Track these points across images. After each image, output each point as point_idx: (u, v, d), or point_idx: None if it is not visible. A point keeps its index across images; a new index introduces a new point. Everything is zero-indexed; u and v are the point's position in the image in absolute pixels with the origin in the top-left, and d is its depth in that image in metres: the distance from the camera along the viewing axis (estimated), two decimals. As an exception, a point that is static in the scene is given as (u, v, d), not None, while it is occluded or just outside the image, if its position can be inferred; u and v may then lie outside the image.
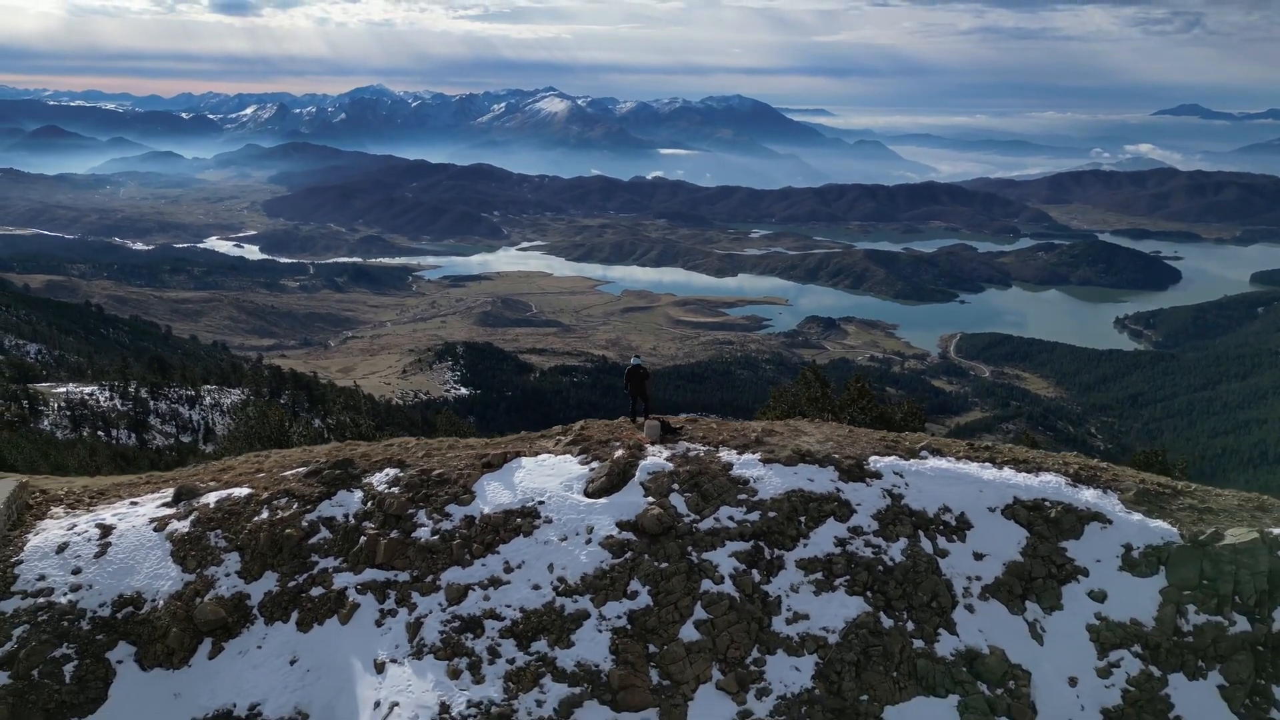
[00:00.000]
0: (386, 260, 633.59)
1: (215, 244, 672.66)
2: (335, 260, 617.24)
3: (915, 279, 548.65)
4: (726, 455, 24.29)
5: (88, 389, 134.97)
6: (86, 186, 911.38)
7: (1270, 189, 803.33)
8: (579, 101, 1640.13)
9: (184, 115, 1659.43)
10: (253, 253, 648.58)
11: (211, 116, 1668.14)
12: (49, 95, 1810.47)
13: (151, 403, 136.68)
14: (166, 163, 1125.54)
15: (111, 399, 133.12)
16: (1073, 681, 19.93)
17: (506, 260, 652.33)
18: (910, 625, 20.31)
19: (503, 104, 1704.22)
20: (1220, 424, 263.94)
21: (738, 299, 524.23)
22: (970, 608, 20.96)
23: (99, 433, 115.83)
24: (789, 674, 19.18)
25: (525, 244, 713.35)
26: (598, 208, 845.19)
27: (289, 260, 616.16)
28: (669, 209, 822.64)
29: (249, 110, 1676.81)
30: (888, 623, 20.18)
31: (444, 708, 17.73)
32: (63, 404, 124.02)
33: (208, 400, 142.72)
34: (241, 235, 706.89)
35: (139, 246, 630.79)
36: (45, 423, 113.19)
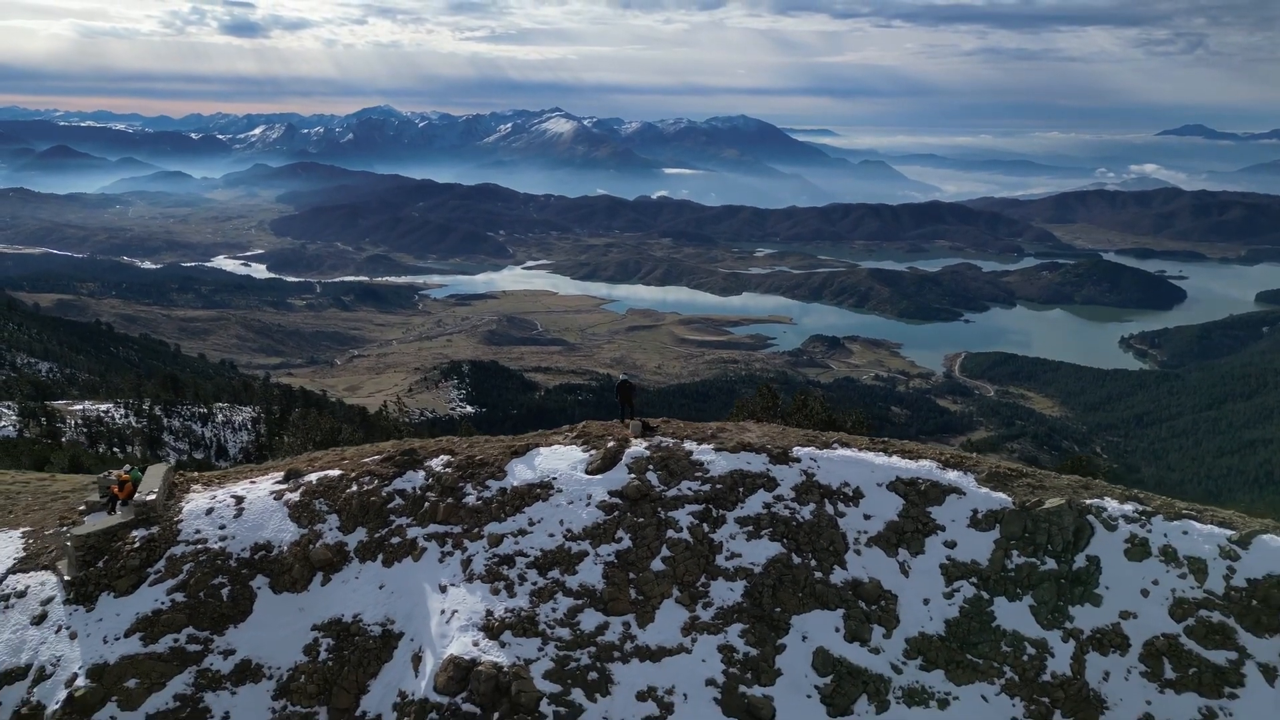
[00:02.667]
0: (393, 279, 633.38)
1: (223, 263, 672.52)
2: (342, 279, 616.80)
3: (920, 298, 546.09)
4: (689, 445, 31.60)
5: (103, 406, 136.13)
6: (96, 206, 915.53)
7: (1275, 209, 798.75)
8: (585, 122, 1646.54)
9: (193, 135, 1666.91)
10: (260, 271, 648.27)
11: (220, 137, 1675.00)
12: (60, 116, 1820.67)
13: (165, 420, 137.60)
14: (175, 182, 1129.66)
15: (126, 416, 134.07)
16: (926, 601, 26.88)
17: (512, 279, 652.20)
18: (813, 562, 27.48)
19: (509, 124, 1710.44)
20: (1226, 443, 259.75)
21: (742, 318, 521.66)
22: (858, 551, 28.07)
23: (114, 449, 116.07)
24: (726, 593, 26.45)
25: (531, 263, 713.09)
26: (603, 227, 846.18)
27: (296, 279, 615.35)
28: (674, 228, 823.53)
29: (257, 130, 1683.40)
30: (797, 561, 27.41)
31: (489, 613, 24.97)
32: (79, 421, 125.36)
33: (219, 418, 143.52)
34: (249, 254, 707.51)
35: (147, 265, 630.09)
36: (63, 439, 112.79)
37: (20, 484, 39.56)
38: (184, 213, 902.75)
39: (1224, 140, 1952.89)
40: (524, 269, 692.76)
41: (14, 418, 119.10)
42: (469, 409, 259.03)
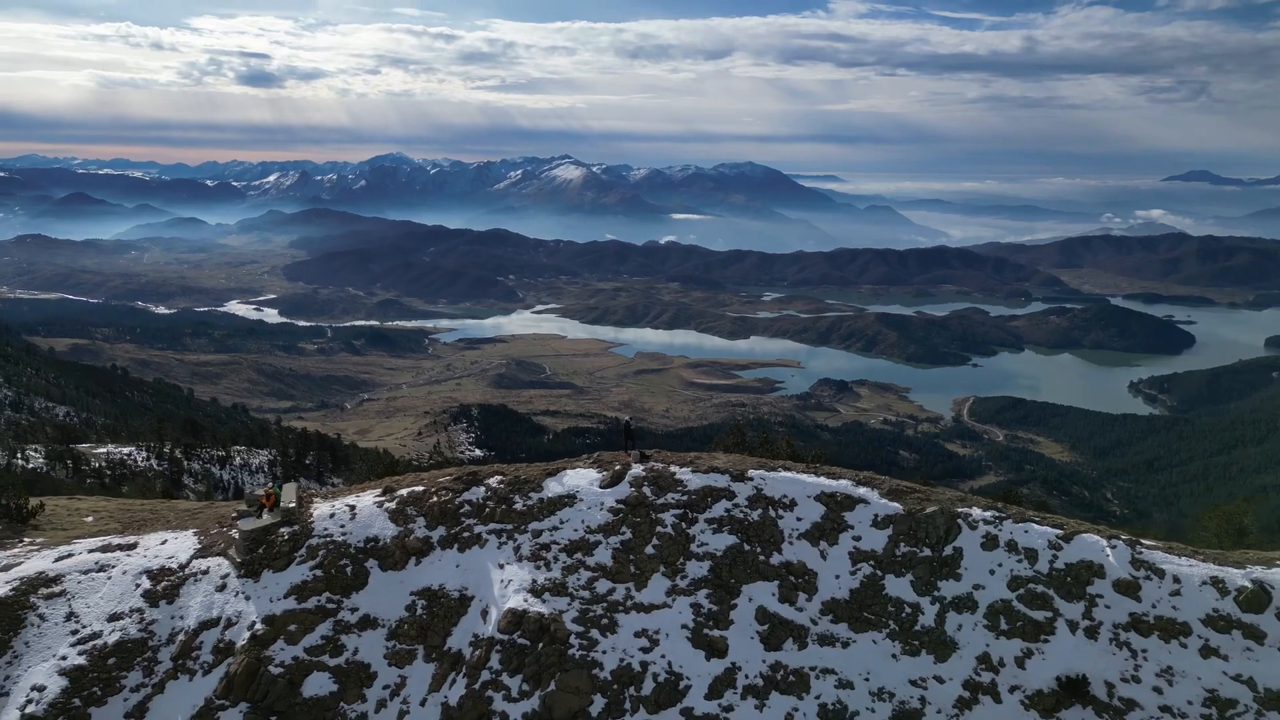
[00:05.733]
0: (403, 323, 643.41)
1: (235, 308, 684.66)
2: (353, 323, 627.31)
3: (927, 342, 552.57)
4: (673, 469, 42.50)
5: (125, 449, 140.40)
6: (112, 252, 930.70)
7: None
8: (594, 168, 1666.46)
9: (209, 182, 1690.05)
10: (272, 316, 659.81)
11: (235, 183, 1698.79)
12: (78, 163, 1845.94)
13: (185, 463, 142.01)
14: (190, 228, 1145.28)
15: (148, 459, 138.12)
16: (837, 577, 36.91)
17: (521, 323, 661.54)
18: (758, 549, 37.74)
19: (519, 171, 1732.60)
20: (1237, 489, 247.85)
21: (750, 361, 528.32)
22: (790, 542, 38.34)
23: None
24: (696, 569, 36.68)
25: (540, 307, 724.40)
26: (611, 271, 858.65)
27: (307, 323, 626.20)
28: (682, 272, 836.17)
29: (272, 177, 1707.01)
30: (747, 548, 37.65)
31: (533, 581, 35.34)
32: (104, 463, 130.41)
33: (237, 461, 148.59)
34: (261, 299, 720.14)
35: (161, 310, 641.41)
36: (88, 482, 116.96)
37: (151, 505, 49.90)
38: (198, 258, 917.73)
39: (1229, 186, 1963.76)
40: (533, 313, 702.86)
41: (41, 460, 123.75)
42: (478, 452, 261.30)
